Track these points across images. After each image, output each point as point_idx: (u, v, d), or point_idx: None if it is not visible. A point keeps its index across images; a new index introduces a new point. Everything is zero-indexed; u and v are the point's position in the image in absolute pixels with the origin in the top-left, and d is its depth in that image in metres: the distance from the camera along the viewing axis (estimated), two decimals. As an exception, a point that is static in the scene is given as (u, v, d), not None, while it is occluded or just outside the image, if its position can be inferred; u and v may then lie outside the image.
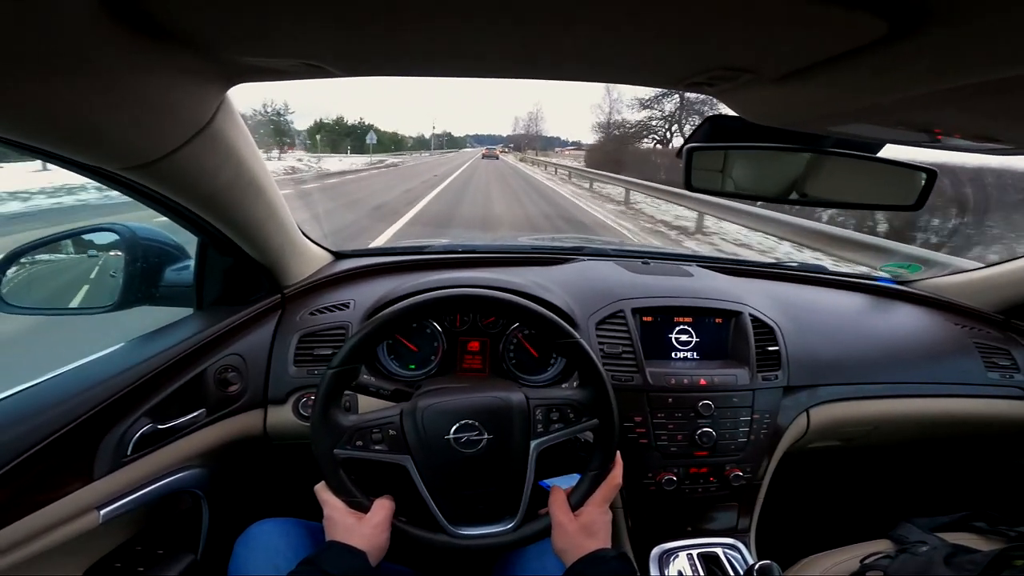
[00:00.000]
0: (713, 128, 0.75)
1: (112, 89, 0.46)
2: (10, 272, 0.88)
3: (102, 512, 0.74)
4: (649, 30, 0.40)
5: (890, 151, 0.76)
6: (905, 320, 1.33)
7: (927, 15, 0.32)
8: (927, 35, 0.34)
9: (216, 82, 0.56)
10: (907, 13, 0.33)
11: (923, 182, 0.77)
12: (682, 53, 0.45)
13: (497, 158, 48.41)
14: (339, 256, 1.26)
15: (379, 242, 6.11)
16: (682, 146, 0.78)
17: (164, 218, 0.83)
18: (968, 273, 1.42)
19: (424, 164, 34.32)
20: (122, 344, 0.87)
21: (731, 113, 0.65)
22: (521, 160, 52.48)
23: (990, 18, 0.30)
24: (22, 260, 0.91)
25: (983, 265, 1.41)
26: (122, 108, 0.49)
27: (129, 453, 0.77)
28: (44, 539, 0.67)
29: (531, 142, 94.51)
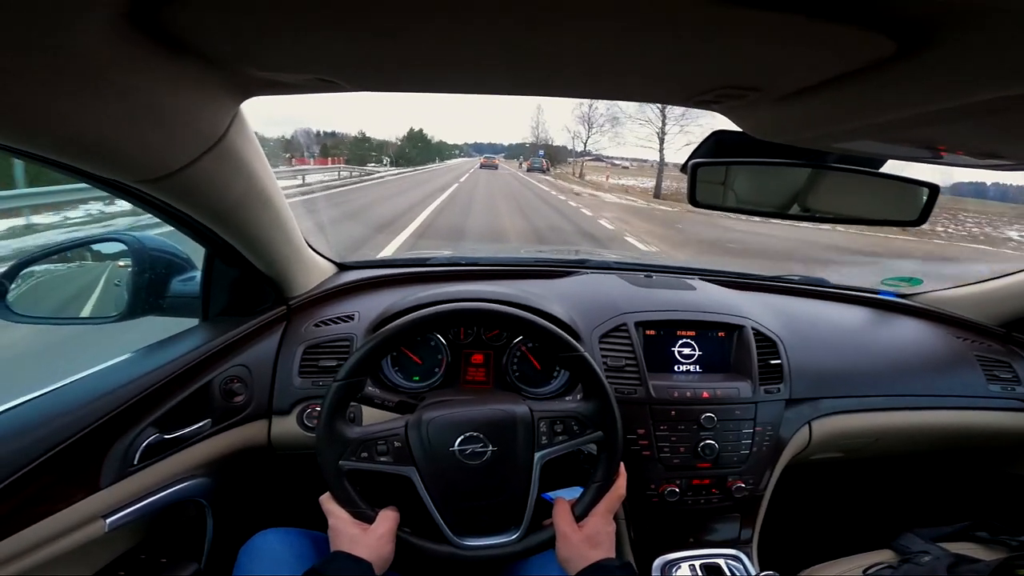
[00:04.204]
0: (717, 143, 0.75)
1: (130, 103, 0.46)
2: (18, 281, 0.89)
3: (108, 521, 0.74)
4: (661, 49, 0.41)
5: (892, 166, 0.77)
6: (906, 333, 1.33)
7: (934, 35, 0.33)
8: (934, 54, 0.35)
9: (230, 95, 0.57)
10: (915, 32, 0.33)
11: (925, 197, 0.78)
12: (692, 72, 0.46)
13: (496, 167, 46.91)
14: (343, 267, 1.27)
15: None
16: (687, 161, 0.78)
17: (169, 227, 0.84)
18: (969, 286, 1.42)
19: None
20: (129, 355, 0.87)
21: (735, 128, 0.66)
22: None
23: (995, 36, 0.31)
24: (29, 269, 0.91)
25: (984, 279, 1.42)
26: (140, 122, 0.50)
27: (135, 463, 0.78)
28: (50, 548, 0.68)
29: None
